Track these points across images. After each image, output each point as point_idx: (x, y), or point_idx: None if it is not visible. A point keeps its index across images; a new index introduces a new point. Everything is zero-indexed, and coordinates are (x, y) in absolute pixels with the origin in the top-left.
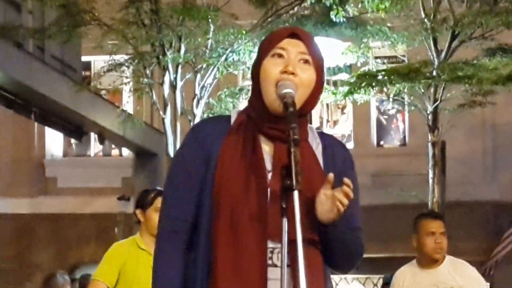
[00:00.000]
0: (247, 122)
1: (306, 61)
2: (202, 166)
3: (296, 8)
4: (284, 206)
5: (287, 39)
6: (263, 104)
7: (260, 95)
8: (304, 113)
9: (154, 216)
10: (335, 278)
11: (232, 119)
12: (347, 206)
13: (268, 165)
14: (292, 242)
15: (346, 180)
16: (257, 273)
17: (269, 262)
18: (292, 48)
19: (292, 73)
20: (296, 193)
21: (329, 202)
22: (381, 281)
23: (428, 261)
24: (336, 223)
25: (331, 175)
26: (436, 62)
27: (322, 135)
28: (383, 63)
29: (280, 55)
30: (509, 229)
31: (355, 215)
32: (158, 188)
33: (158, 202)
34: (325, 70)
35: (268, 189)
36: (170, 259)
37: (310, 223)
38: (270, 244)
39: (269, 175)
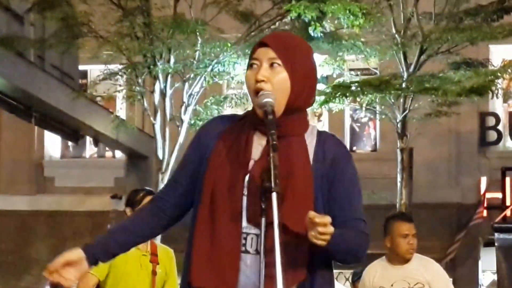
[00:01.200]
0: (246, 120)
1: (277, 65)
2: (197, 158)
3: (277, 23)
4: (263, 206)
5: (259, 49)
6: (254, 108)
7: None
8: (296, 109)
9: None
10: None
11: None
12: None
13: (256, 156)
14: (268, 231)
15: (310, 215)
16: (229, 259)
17: (242, 248)
18: (262, 56)
19: (263, 81)
20: (274, 195)
21: (312, 234)
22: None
23: (400, 260)
24: (326, 246)
25: (311, 214)
26: (405, 75)
27: (320, 133)
28: (357, 75)
29: (254, 65)
30: (464, 230)
31: (351, 208)
32: (147, 188)
33: (146, 201)
34: (312, 66)
35: (247, 175)
36: (135, 214)
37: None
38: (245, 229)
39: (252, 163)
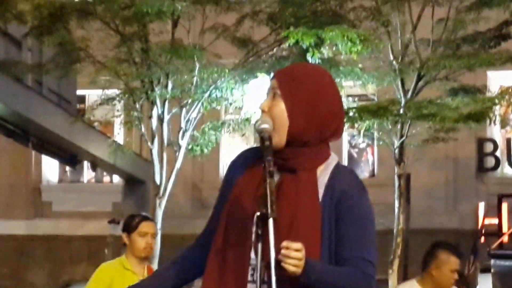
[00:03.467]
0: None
1: (277, 95)
2: (228, 190)
3: (275, 49)
4: (259, 232)
5: (272, 80)
6: None
7: None
8: (305, 142)
9: (137, 239)
10: None
11: None
12: (335, 240)
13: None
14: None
15: (283, 243)
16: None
17: (250, 278)
18: (271, 86)
19: (263, 110)
20: (271, 221)
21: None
22: None
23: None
24: (301, 275)
25: (284, 244)
26: (403, 101)
27: (338, 167)
28: (354, 101)
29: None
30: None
31: (354, 246)
32: (143, 213)
33: (142, 226)
34: (317, 96)
35: (256, 214)
36: (163, 266)
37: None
38: (253, 261)
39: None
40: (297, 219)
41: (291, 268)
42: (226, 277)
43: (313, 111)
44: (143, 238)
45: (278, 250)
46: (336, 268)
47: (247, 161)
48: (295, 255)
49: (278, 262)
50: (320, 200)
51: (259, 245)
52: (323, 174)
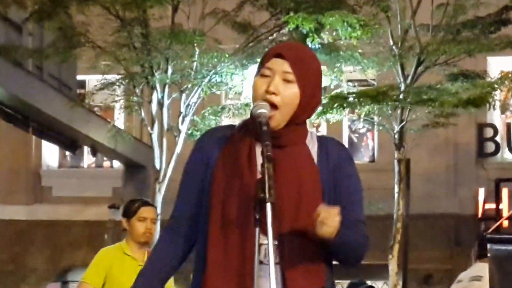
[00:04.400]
0: (246, 131)
1: (290, 80)
2: (202, 169)
3: (275, 35)
4: (257, 216)
5: (273, 59)
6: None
7: None
8: (299, 122)
9: (137, 224)
10: None
11: (237, 127)
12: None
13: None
14: (280, 241)
15: (318, 209)
16: (245, 270)
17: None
18: (277, 67)
19: (274, 93)
20: (268, 205)
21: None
22: None
23: None
24: (333, 238)
25: (319, 208)
26: (402, 86)
27: (320, 138)
28: (354, 86)
29: (267, 75)
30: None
31: (355, 210)
32: (143, 198)
33: (141, 212)
34: (319, 80)
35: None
36: (157, 251)
37: (294, 225)
38: (265, 241)
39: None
40: (304, 191)
41: (328, 235)
42: (233, 260)
43: (315, 93)
44: (142, 223)
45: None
46: (347, 230)
47: (219, 140)
48: (333, 223)
49: (280, 241)
50: (317, 168)
51: (257, 230)
52: (310, 144)
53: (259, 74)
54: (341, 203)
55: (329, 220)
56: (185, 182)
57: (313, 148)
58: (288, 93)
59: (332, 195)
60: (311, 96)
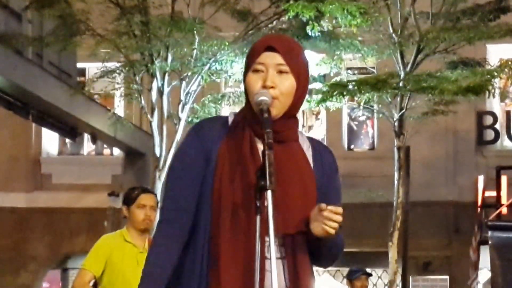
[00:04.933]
0: (243, 123)
1: (285, 72)
2: (202, 162)
3: (274, 22)
4: (258, 204)
5: (264, 53)
6: (253, 110)
7: (249, 103)
8: (292, 114)
9: (136, 212)
10: None
11: (230, 120)
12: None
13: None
14: (284, 237)
15: (330, 207)
16: (252, 266)
17: (267, 255)
18: (270, 61)
19: (272, 87)
20: (269, 193)
21: (319, 223)
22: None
23: None
24: (327, 237)
25: (323, 205)
26: (402, 74)
27: (311, 140)
28: (354, 74)
29: (260, 70)
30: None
31: None
32: (143, 186)
33: (141, 199)
34: (308, 70)
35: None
36: (161, 246)
37: (300, 219)
38: (266, 238)
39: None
40: (306, 186)
41: (330, 231)
42: (241, 261)
43: (307, 84)
44: (142, 210)
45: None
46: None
47: (220, 131)
48: (338, 219)
49: (291, 237)
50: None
51: (258, 217)
52: (304, 144)
53: (252, 70)
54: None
55: (334, 216)
56: (183, 173)
57: (308, 150)
58: (285, 84)
59: (321, 200)
60: (305, 86)
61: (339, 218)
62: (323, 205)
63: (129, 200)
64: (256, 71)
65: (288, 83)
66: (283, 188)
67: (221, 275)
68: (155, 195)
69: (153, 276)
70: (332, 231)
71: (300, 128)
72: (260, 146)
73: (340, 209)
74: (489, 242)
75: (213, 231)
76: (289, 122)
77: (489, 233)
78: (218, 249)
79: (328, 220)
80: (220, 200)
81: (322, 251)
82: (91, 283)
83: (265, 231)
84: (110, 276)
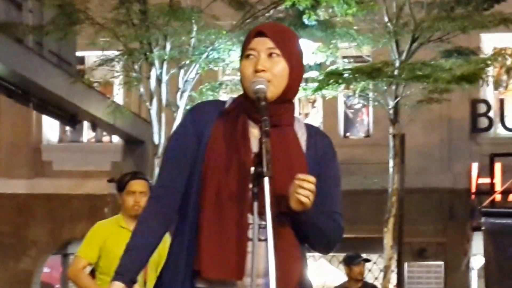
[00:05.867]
0: (239, 107)
1: (276, 55)
2: (194, 143)
3: (271, 11)
4: (255, 191)
5: (255, 39)
6: (247, 95)
7: (244, 89)
8: (287, 99)
9: (127, 198)
10: None
11: (227, 104)
12: (316, 194)
13: (255, 147)
14: (275, 220)
15: (300, 175)
16: (236, 247)
17: (250, 236)
18: (260, 46)
19: (263, 70)
20: (266, 180)
21: (293, 194)
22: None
23: None
24: (306, 211)
25: (299, 176)
26: (397, 62)
27: (308, 126)
28: (350, 62)
29: (252, 56)
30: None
31: (333, 201)
32: (135, 171)
33: (130, 185)
34: (301, 55)
35: (251, 169)
36: (145, 221)
37: (287, 204)
38: (251, 220)
39: (253, 156)
40: (292, 172)
41: (303, 199)
42: (226, 238)
43: (301, 68)
44: (131, 197)
45: (272, 208)
46: (324, 216)
47: (212, 115)
48: (308, 186)
49: (276, 220)
50: (304, 154)
51: (255, 204)
52: (299, 131)
53: (244, 56)
54: (320, 194)
55: (304, 184)
56: (175, 153)
57: (302, 134)
58: (277, 68)
59: (316, 187)
60: (298, 70)
61: (310, 186)
62: (299, 175)
63: (120, 187)
64: (248, 57)
65: (280, 65)
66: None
67: (201, 254)
68: (146, 180)
69: (135, 249)
70: (304, 199)
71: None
72: (254, 131)
73: (311, 178)
74: (482, 228)
75: (200, 213)
76: (283, 106)
77: (483, 219)
78: (201, 230)
79: (298, 188)
80: (208, 181)
81: (309, 233)
82: (88, 270)
83: (248, 212)
84: (106, 261)
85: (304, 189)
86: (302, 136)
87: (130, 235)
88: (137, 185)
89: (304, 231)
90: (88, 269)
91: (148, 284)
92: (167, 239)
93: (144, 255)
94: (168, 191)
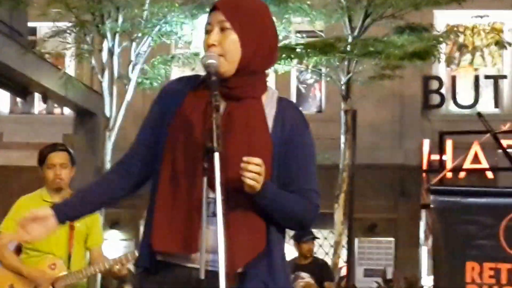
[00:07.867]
0: (206, 83)
1: (226, 28)
2: (158, 121)
3: None
4: (205, 166)
5: (211, 13)
6: None
7: None
8: (251, 71)
9: (47, 172)
10: None
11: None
12: (285, 173)
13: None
14: (226, 195)
15: (244, 158)
16: (187, 222)
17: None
18: (214, 19)
19: (213, 45)
20: (216, 155)
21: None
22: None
23: None
24: (263, 195)
25: (244, 158)
26: (350, 38)
27: (281, 100)
28: (303, 37)
29: (209, 30)
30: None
31: (305, 178)
32: (55, 143)
33: (49, 159)
34: (265, 25)
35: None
36: (102, 176)
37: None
38: (211, 195)
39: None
40: (251, 148)
41: (249, 182)
42: (179, 212)
43: (261, 40)
44: (51, 170)
45: (223, 184)
46: (289, 194)
47: (183, 90)
48: (253, 168)
49: (226, 195)
50: (270, 131)
51: (205, 179)
52: (269, 105)
53: (205, 32)
54: (292, 170)
55: (250, 166)
56: (142, 127)
57: (271, 109)
58: (226, 41)
59: (283, 161)
60: (255, 41)
61: (255, 168)
62: (244, 158)
63: (40, 161)
64: (207, 32)
65: (229, 39)
66: (227, 147)
67: (153, 228)
68: (67, 151)
69: (81, 191)
70: (251, 182)
71: None
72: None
73: (256, 160)
74: (431, 206)
75: (156, 187)
76: (245, 79)
77: (431, 197)
78: (155, 205)
79: (244, 171)
80: (165, 157)
81: (275, 216)
82: (14, 246)
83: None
84: None
85: (250, 172)
86: (270, 111)
87: None
88: (57, 158)
89: (270, 214)
90: (12, 245)
91: (73, 258)
92: (97, 216)
93: (89, 199)
94: (129, 157)
